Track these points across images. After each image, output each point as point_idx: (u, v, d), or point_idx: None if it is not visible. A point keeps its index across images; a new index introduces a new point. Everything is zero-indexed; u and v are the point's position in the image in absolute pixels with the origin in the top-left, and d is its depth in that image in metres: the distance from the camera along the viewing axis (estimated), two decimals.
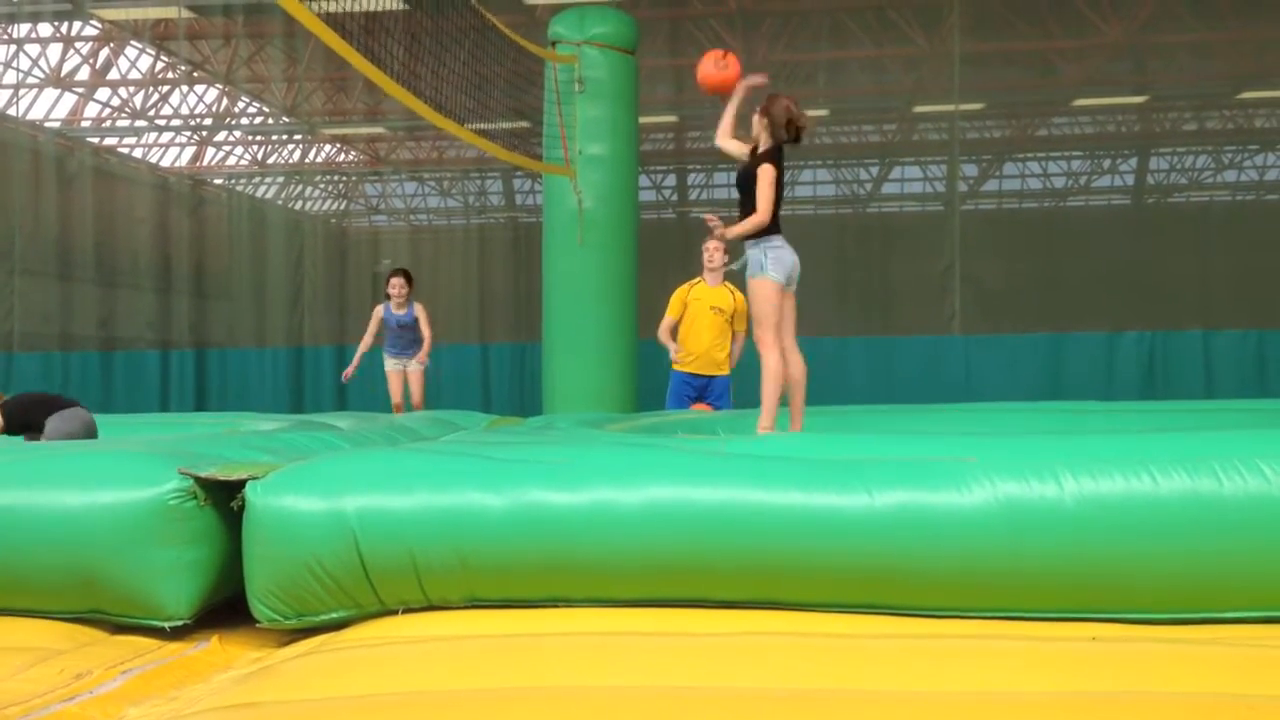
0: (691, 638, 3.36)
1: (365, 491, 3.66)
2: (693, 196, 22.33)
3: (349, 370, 9.52)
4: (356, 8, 7.37)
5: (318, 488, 3.67)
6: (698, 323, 7.94)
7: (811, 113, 19.46)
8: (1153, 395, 11.25)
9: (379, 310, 9.57)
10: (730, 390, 8.07)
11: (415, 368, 9.37)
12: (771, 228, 5.64)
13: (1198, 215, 19.02)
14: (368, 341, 9.58)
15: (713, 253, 7.96)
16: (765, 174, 5.58)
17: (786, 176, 5.81)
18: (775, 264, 5.59)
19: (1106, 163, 21.42)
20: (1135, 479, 3.46)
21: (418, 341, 9.44)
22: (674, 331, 8.03)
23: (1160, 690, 2.90)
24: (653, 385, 9.94)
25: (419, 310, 9.42)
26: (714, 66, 5.98)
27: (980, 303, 13.78)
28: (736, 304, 7.93)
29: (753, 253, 5.64)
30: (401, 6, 8.63)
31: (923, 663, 3.12)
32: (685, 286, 8.08)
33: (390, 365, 9.47)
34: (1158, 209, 19.99)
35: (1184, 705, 2.67)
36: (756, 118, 5.78)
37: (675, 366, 8.02)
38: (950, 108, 15.47)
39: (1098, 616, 3.45)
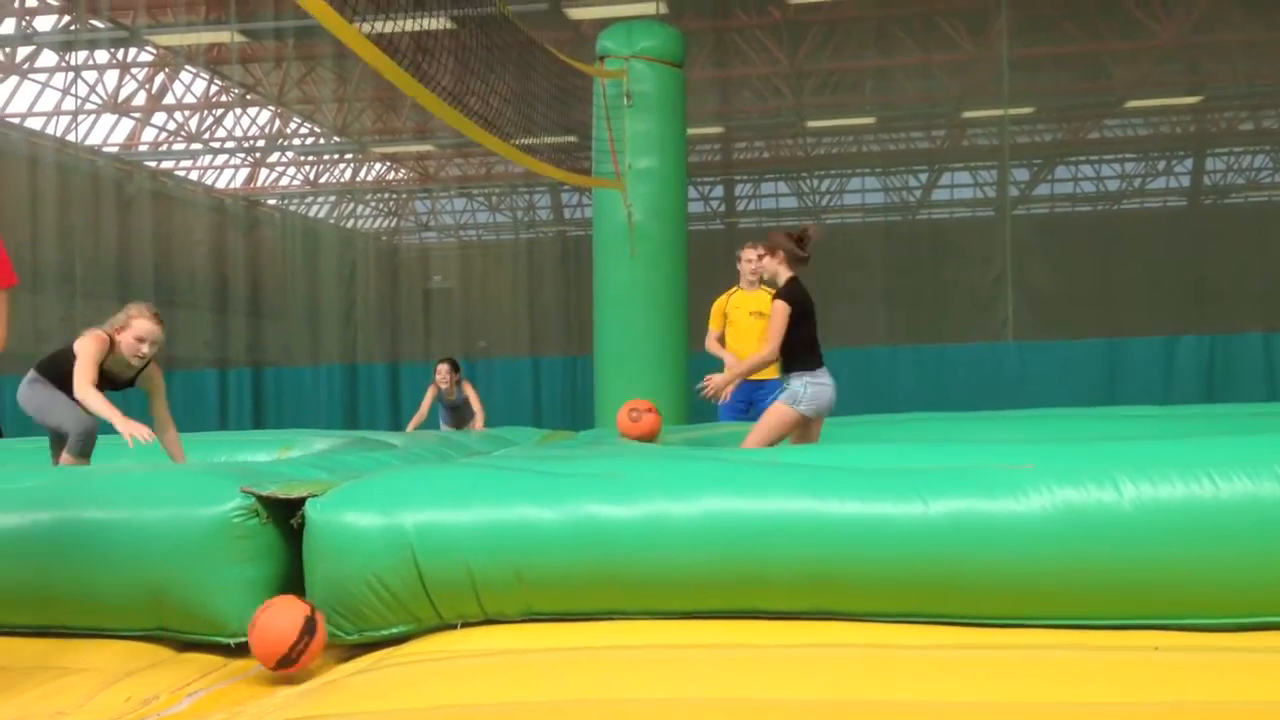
0: (748, 649, 3.36)
1: (423, 507, 3.70)
2: (740, 207, 22.34)
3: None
4: (403, 29, 7.46)
5: (376, 504, 3.72)
6: (740, 330, 7.95)
7: (858, 121, 19.44)
8: (1213, 400, 11.06)
9: (432, 392, 9.88)
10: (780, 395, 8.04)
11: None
12: (812, 360, 5.56)
13: (1256, 215, 18.74)
14: (419, 418, 9.86)
15: (745, 261, 7.98)
16: (779, 311, 5.53)
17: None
18: (810, 401, 5.52)
19: (1161, 164, 21.16)
20: (1195, 484, 3.41)
21: (471, 415, 9.83)
22: (722, 341, 8.03)
23: (1226, 700, 2.86)
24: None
25: (468, 390, 9.78)
26: (627, 419, 5.88)
27: (1034, 308, 13.65)
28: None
29: (795, 383, 5.57)
30: (448, 26, 8.73)
31: (982, 673, 3.10)
32: (723, 297, 8.08)
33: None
34: (1215, 210, 19.71)
35: (1251, 715, 2.64)
36: (767, 261, 5.80)
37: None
38: (1000, 112, 15.35)
39: (1160, 624, 3.40)
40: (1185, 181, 20.89)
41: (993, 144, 18.34)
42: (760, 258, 7.76)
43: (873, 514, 3.53)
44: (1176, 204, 20.80)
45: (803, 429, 5.65)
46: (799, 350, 5.53)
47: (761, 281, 8.00)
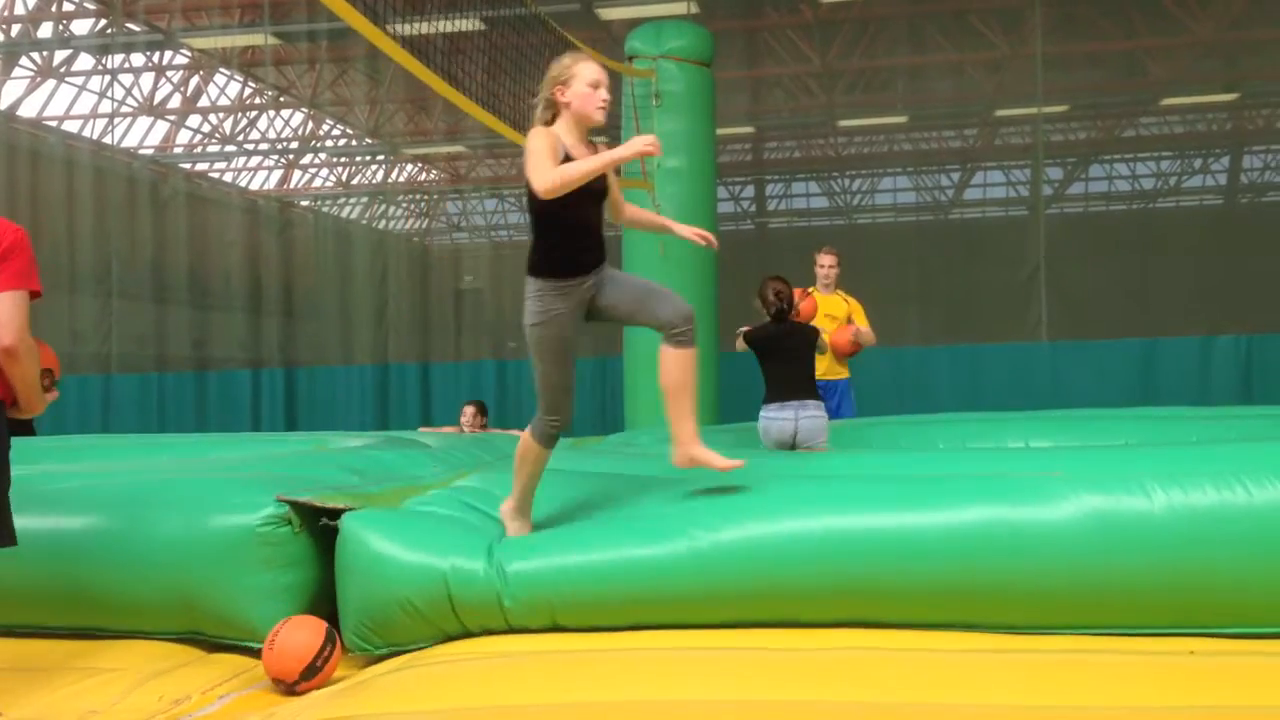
0: (777, 652, 3.35)
1: (458, 551, 3.68)
2: (771, 207, 22.27)
3: None
4: (436, 30, 7.49)
5: (413, 540, 3.70)
6: None
7: (890, 120, 19.33)
8: (1250, 401, 10.93)
9: (454, 430, 9.05)
10: (852, 393, 8.04)
11: None
12: (767, 395, 5.65)
13: None
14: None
15: (820, 266, 7.96)
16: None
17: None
18: (761, 434, 5.61)
19: (1198, 162, 20.91)
20: (1228, 490, 3.37)
21: None
22: None
23: (1261, 705, 2.83)
24: (734, 396, 9.92)
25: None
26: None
27: (1068, 308, 13.51)
28: (851, 307, 8.02)
29: None
30: (479, 27, 8.75)
31: (1012, 678, 3.08)
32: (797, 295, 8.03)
33: None
34: (1252, 208, 19.45)
35: None
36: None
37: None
38: (1033, 110, 15.22)
39: (1193, 631, 3.37)
40: (1222, 180, 20.63)
41: (1026, 143, 18.18)
42: (836, 264, 7.83)
43: (900, 523, 3.51)
44: (1213, 203, 20.55)
45: None
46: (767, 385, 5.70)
47: (834, 289, 8.02)
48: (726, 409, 9.75)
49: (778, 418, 5.54)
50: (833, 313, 8.02)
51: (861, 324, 8.10)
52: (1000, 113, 18.39)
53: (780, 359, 5.68)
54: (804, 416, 5.51)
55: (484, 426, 9.03)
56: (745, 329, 5.83)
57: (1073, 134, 20.02)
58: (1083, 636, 3.40)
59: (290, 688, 3.45)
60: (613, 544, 3.64)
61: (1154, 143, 20.60)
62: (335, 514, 3.78)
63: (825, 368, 7.95)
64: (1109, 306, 15.50)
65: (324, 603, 3.81)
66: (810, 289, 8.11)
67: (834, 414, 8.04)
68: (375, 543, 3.70)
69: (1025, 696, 2.95)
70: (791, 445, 5.51)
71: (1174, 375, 11.30)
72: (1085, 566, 3.39)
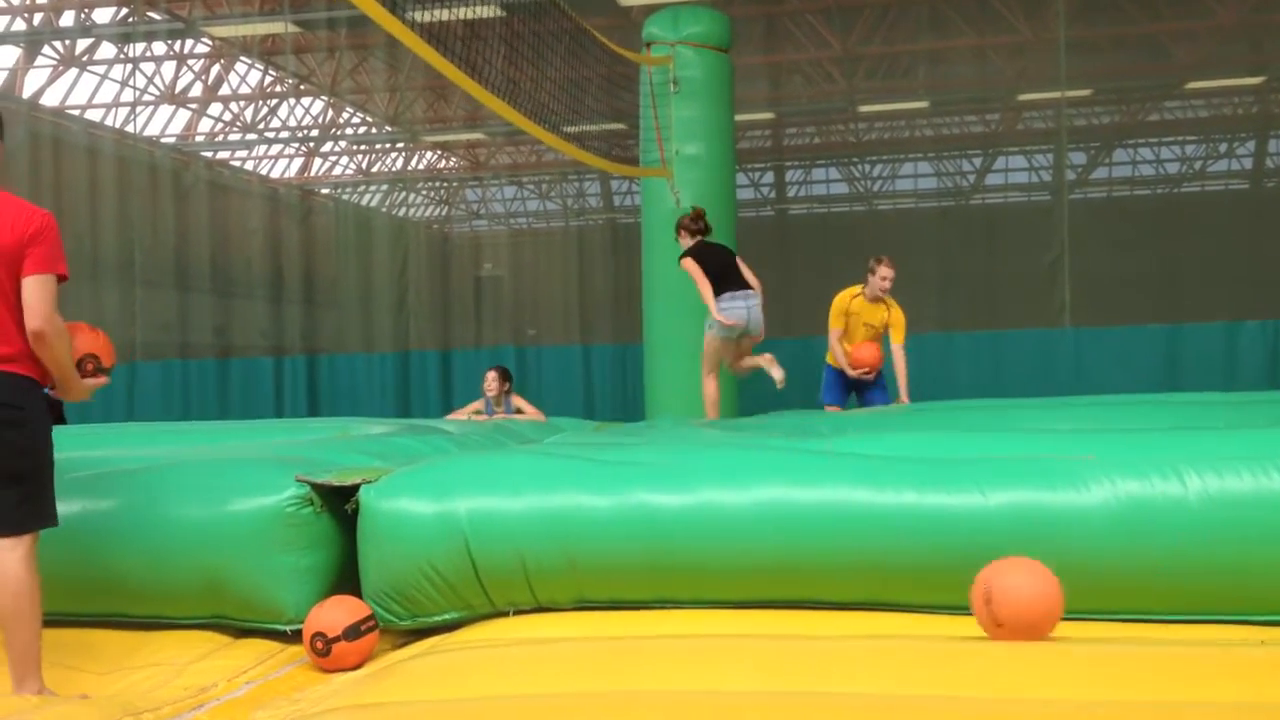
0: (801, 641, 3.32)
1: (475, 494, 3.71)
2: (791, 193, 22.19)
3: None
4: (453, 17, 7.46)
5: (429, 491, 3.73)
6: (855, 334, 7.93)
7: (911, 105, 19.21)
8: (1277, 387, 10.82)
9: (478, 405, 9.03)
10: (885, 385, 8.00)
11: None
12: (718, 289, 7.27)
13: None
14: (458, 415, 8.95)
15: (881, 279, 7.81)
16: (689, 267, 7.43)
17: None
18: (723, 317, 7.19)
19: (1223, 146, 20.73)
20: (1264, 476, 3.33)
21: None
22: (842, 339, 7.97)
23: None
24: (754, 385, 9.87)
25: (519, 402, 8.89)
26: None
27: (1091, 293, 13.39)
28: (892, 319, 7.93)
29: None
30: (497, 13, 8.72)
31: (1041, 667, 3.05)
32: (845, 296, 7.91)
33: None
34: (1278, 192, 19.27)
35: None
36: (681, 239, 7.75)
37: (831, 362, 7.98)
38: (1056, 95, 15.09)
39: (1224, 619, 3.33)
40: (1247, 164, 20.45)
41: (1049, 127, 18.04)
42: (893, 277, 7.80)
43: (928, 505, 3.49)
44: (1239, 187, 20.37)
45: (735, 347, 7.49)
46: (713, 286, 7.28)
47: (880, 298, 7.92)
48: (746, 396, 9.73)
49: (734, 306, 7.22)
50: (872, 322, 7.90)
51: (897, 338, 7.95)
52: (1023, 97, 18.25)
53: (716, 262, 7.41)
54: (751, 305, 7.31)
55: (508, 393, 8.92)
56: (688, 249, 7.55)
57: (1096, 118, 19.87)
58: (1113, 623, 3.36)
59: (326, 646, 3.45)
60: (626, 489, 3.67)
61: (1178, 127, 20.42)
62: (355, 492, 3.79)
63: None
64: (1133, 292, 15.38)
65: (347, 585, 3.82)
66: (859, 291, 7.93)
67: (867, 402, 8.01)
68: (391, 502, 3.71)
69: (1049, 688, 2.91)
70: (745, 330, 7.26)
71: (1199, 361, 11.20)
72: (1117, 552, 3.36)
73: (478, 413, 8.91)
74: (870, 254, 8.06)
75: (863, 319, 7.91)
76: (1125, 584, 3.36)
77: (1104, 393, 8.82)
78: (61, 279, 3.33)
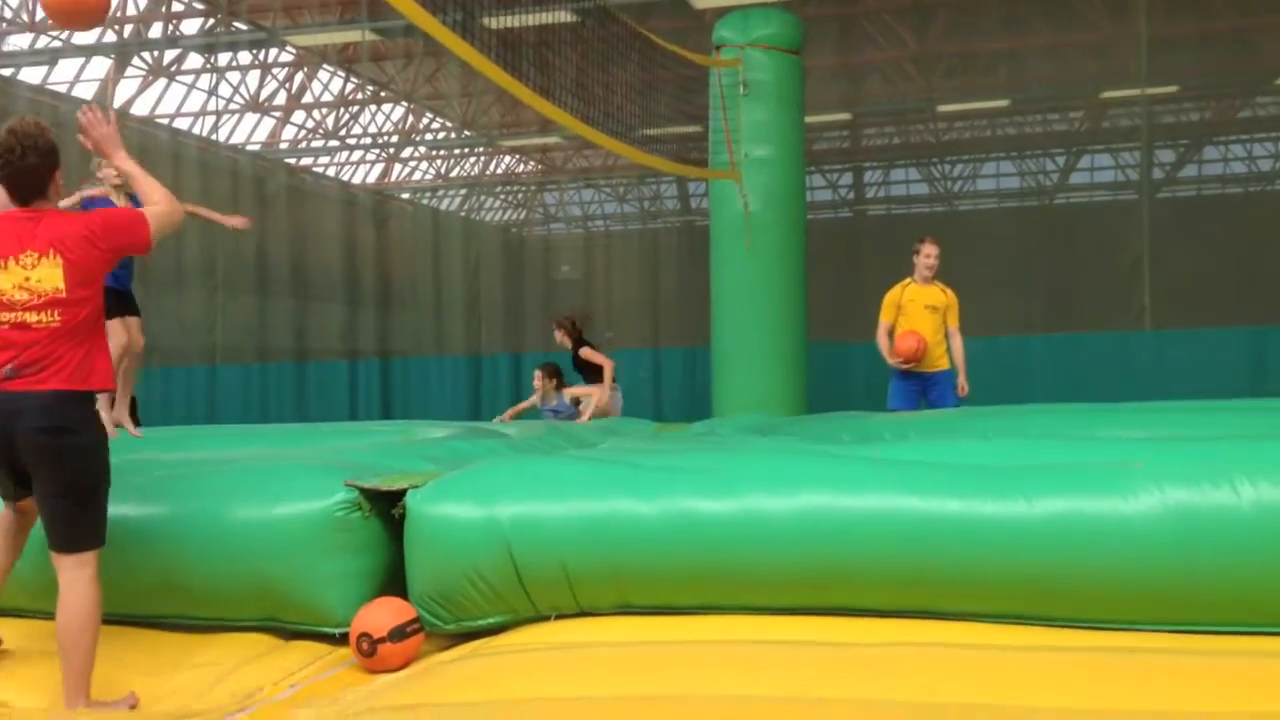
0: (844, 648, 3.30)
1: (518, 499, 3.74)
2: (869, 194, 21.99)
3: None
4: (522, 24, 7.53)
5: (473, 495, 3.77)
6: (914, 321, 7.86)
7: (992, 104, 18.92)
8: None
9: (526, 405, 9.21)
10: (954, 384, 7.92)
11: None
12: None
13: None
14: (513, 412, 9.13)
15: (925, 256, 7.83)
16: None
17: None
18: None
19: None
20: None
21: (575, 417, 8.71)
22: (891, 333, 7.95)
23: None
24: (824, 387, 9.82)
25: (574, 392, 8.88)
26: None
27: (1174, 295, 13.06)
28: (949, 300, 7.93)
29: None
30: (570, 19, 8.79)
31: (1085, 677, 2.99)
32: (898, 288, 7.95)
33: None
34: None
35: None
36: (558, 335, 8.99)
37: (895, 364, 7.94)
38: (1139, 92, 14.74)
39: (1275, 631, 3.23)
40: None
41: (1134, 125, 17.64)
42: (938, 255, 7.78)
43: (973, 512, 3.44)
44: None
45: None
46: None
47: (934, 277, 7.93)
48: (814, 399, 9.67)
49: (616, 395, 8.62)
50: (933, 303, 7.89)
51: (954, 321, 7.93)
52: (1106, 95, 17.86)
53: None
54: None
55: (558, 388, 8.98)
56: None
57: (1184, 115, 19.38)
58: (1157, 634, 3.28)
59: (372, 647, 3.50)
60: (670, 494, 3.66)
61: (1270, 123, 19.83)
62: (401, 497, 3.85)
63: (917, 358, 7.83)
64: (1218, 293, 14.95)
65: (395, 589, 3.87)
66: (908, 280, 7.93)
67: (933, 405, 7.92)
68: (436, 507, 3.76)
69: (1093, 699, 2.86)
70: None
71: None
72: (1165, 562, 3.28)
73: (533, 406, 9.01)
74: (950, 255, 8.02)
75: (921, 302, 7.86)
76: (1174, 594, 3.28)
77: (1184, 398, 8.60)
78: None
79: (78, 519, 3.35)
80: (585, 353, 8.84)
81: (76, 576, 3.31)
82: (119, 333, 5.86)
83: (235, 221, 6.73)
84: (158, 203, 3.60)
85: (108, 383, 3.50)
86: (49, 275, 3.32)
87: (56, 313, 3.33)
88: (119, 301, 5.86)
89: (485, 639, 3.70)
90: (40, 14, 15.65)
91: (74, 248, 3.37)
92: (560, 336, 9.01)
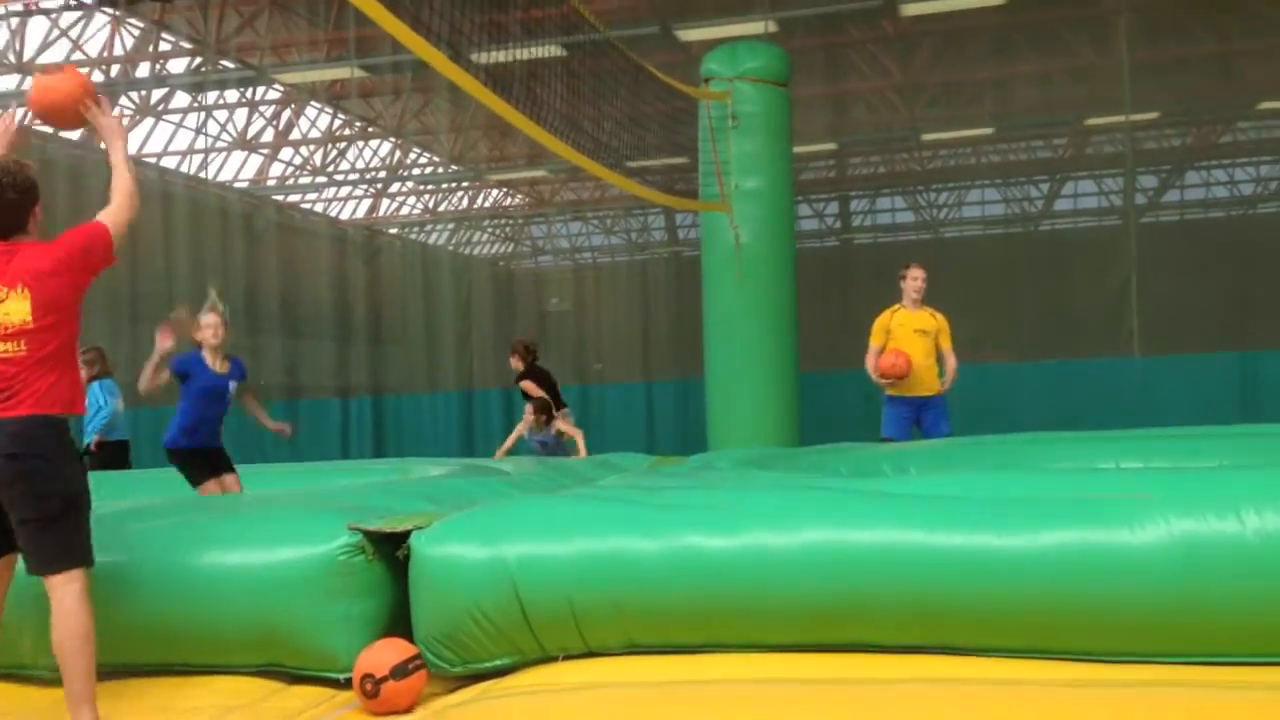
0: (850, 685, 3.29)
1: (523, 539, 3.73)
2: (856, 223, 22.10)
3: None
4: (513, 57, 7.56)
5: (478, 536, 3.76)
6: (903, 346, 7.90)
7: (976, 132, 19.07)
8: None
9: (522, 426, 9.36)
10: (947, 410, 7.95)
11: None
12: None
13: None
14: (504, 450, 9.33)
15: (913, 280, 7.94)
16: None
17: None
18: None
19: None
20: None
21: (558, 449, 9.13)
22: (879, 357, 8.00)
23: None
24: (816, 418, 9.82)
25: (562, 426, 9.15)
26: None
27: (1161, 321, 13.13)
28: (939, 324, 8.01)
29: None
30: (560, 53, 8.84)
31: (1095, 711, 2.99)
32: (887, 313, 8.03)
33: None
34: None
35: None
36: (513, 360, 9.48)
37: (889, 391, 7.97)
38: (1122, 118, 14.88)
39: None
40: None
41: (1117, 151, 17.79)
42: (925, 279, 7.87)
43: (979, 545, 3.43)
44: None
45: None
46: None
47: (923, 302, 8.03)
48: (807, 429, 9.68)
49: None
50: (922, 327, 7.96)
51: (946, 344, 8.04)
52: (1089, 121, 18.03)
53: (548, 384, 9.41)
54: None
55: (547, 424, 9.14)
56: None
57: (1166, 141, 19.55)
58: (1170, 666, 3.28)
59: (375, 687, 3.47)
60: (673, 532, 3.66)
61: (1252, 148, 20.03)
62: (406, 539, 3.83)
63: (910, 383, 7.86)
64: (1205, 319, 15.05)
65: (399, 631, 3.84)
66: (897, 305, 8.02)
67: (927, 431, 7.94)
68: (440, 549, 3.74)
69: None
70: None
71: (1275, 391, 10.92)
72: (1174, 593, 3.28)
73: (521, 438, 9.27)
74: (936, 282, 8.10)
75: (910, 327, 7.93)
76: (1183, 625, 3.27)
77: (1174, 424, 8.63)
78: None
79: (49, 540, 3.40)
80: (525, 385, 9.31)
81: (64, 594, 3.39)
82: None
83: (280, 428, 6.95)
84: (119, 206, 3.75)
85: (76, 407, 3.55)
86: (16, 309, 3.44)
87: (23, 343, 3.43)
88: (208, 460, 6.30)
89: (493, 680, 3.67)
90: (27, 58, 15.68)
91: (44, 282, 3.47)
92: (515, 362, 9.51)
